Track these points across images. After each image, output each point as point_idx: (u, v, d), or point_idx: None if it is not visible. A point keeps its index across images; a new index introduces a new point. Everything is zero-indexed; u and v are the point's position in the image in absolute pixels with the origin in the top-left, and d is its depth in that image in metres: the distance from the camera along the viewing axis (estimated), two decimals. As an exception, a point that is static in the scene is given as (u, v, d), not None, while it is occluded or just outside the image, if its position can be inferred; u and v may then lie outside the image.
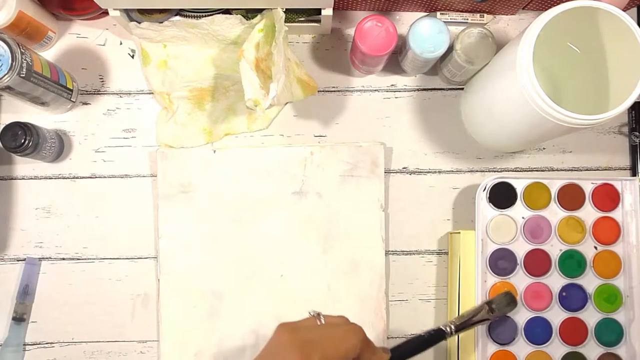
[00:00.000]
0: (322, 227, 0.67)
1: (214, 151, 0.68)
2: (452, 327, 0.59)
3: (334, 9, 0.63)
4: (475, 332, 0.63)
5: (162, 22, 0.64)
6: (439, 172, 0.70)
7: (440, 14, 0.69)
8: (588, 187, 0.66)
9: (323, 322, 0.49)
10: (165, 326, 0.66)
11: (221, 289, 0.66)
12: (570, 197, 0.65)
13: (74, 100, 0.68)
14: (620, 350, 0.64)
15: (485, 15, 0.69)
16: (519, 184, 0.65)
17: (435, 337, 0.58)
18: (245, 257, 0.67)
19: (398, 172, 0.70)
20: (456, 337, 0.64)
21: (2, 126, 0.63)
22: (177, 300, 0.66)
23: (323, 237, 0.67)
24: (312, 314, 0.50)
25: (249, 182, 0.67)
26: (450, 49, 0.63)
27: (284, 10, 0.61)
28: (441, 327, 0.58)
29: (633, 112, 0.70)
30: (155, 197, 0.67)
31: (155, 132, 0.69)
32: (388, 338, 0.67)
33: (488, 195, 0.65)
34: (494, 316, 0.61)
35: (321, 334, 0.47)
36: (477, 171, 0.70)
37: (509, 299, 0.62)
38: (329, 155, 0.68)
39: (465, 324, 0.60)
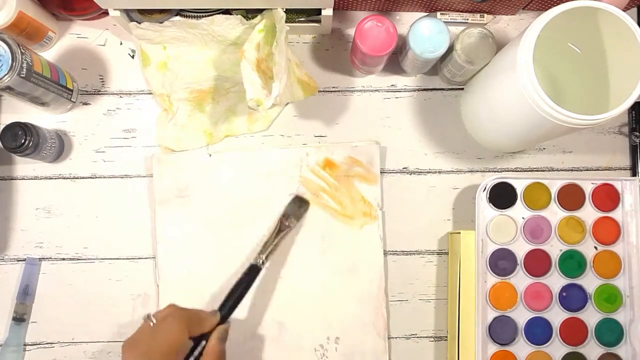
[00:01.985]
0: (320, 227, 0.67)
1: (210, 155, 0.68)
2: (262, 256, 0.61)
3: (334, 9, 0.63)
4: (476, 333, 0.63)
5: (162, 22, 0.64)
6: (439, 172, 0.70)
7: (441, 14, 0.69)
8: (588, 187, 0.66)
9: (154, 321, 0.52)
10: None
11: (220, 293, 0.66)
12: (570, 197, 0.65)
13: (74, 100, 0.68)
14: (620, 350, 0.64)
15: (485, 15, 0.69)
16: (519, 184, 0.65)
17: (252, 274, 0.61)
18: (244, 259, 0.67)
19: (398, 172, 0.70)
20: (456, 339, 0.64)
21: (2, 126, 0.63)
22: (177, 304, 0.66)
23: (321, 237, 0.67)
24: (144, 318, 0.53)
25: (245, 185, 0.67)
26: (451, 49, 0.63)
27: (284, 10, 0.61)
28: (252, 262, 0.61)
29: (633, 112, 0.70)
30: (153, 201, 0.67)
31: (155, 133, 0.69)
32: (389, 338, 0.67)
33: (488, 196, 0.65)
34: (293, 223, 0.65)
35: (154, 336, 0.51)
36: (477, 171, 0.70)
37: (299, 202, 0.65)
38: (324, 156, 0.68)
39: (269, 245, 0.62)
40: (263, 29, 0.62)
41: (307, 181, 0.67)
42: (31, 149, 0.62)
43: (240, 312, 0.66)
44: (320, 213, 0.67)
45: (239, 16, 0.63)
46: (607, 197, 0.66)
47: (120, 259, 0.68)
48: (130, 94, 0.70)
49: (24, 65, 0.58)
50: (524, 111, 0.54)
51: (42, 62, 0.62)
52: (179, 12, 0.64)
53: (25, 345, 0.67)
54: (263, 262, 0.61)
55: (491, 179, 0.65)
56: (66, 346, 0.67)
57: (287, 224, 0.64)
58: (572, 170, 0.71)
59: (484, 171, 0.70)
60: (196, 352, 0.54)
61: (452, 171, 0.70)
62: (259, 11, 0.63)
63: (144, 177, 0.69)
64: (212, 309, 0.58)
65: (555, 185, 0.66)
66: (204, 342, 0.54)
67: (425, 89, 0.71)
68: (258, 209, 0.67)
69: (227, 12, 0.64)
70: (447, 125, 0.70)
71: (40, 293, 0.68)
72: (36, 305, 0.67)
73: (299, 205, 0.66)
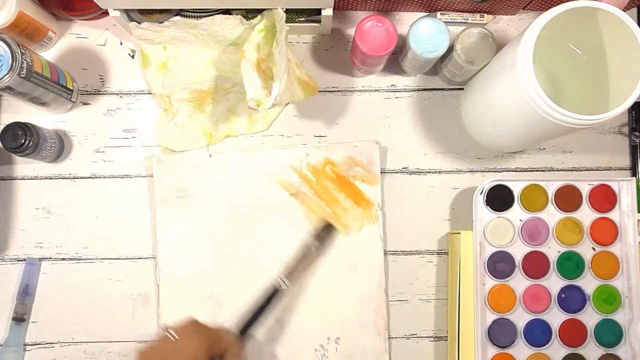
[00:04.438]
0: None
1: (210, 155, 0.68)
2: (285, 280, 0.61)
3: (334, 9, 0.63)
4: (475, 336, 0.63)
5: (162, 22, 0.64)
6: (439, 172, 0.70)
7: (441, 14, 0.69)
8: (585, 189, 0.66)
9: (175, 336, 0.51)
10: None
11: (220, 293, 0.66)
12: (568, 198, 0.65)
13: (74, 100, 0.68)
14: (619, 350, 0.64)
15: (485, 15, 0.69)
16: (516, 187, 0.65)
17: (272, 296, 0.60)
18: (244, 260, 0.67)
19: (398, 172, 0.70)
20: (456, 339, 0.64)
21: (2, 126, 0.63)
22: (177, 305, 0.66)
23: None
24: (163, 329, 0.52)
25: (245, 185, 0.67)
26: (451, 49, 0.63)
27: (284, 10, 0.61)
28: (274, 284, 0.60)
29: (633, 112, 0.70)
30: (153, 201, 0.67)
31: (155, 133, 0.69)
32: (389, 338, 0.67)
33: (485, 198, 0.65)
34: (320, 249, 0.64)
35: (174, 352, 0.50)
36: (477, 171, 0.70)
37: (328, 229, 0.65)
38: (324, 156, 0.68)
39: (295, 269, 0.62)
40: (263, 29, 0.62)
41: (307, 181, 0.67)
42: (31, 149, 0.62)
43: (241, 312, 0.66)
44: (320, 213, 0.67)
45: (239, 16, 0.63)
46: (604, 198, 0.65)
47: (120, 259, 0.68)
48: (130, 94, 0.70)
49: (24, 65, 0.58)
50: (524, 111, 0.54)
51: (42, 62, 0.62)
52: (179, 12, 0.64)
53: (25, 345, 0.67)
54: (286, 285, 0.61)
55: (488, 182, 0.65)
56: (66, 346, 0.67)
57: (314, 249, 0.64)
58: (572, 170, 0.70)
59: (484, 171, 0.70)
60: None
61: (452, 171, 0.70)
62: (259, 11, 0.63)
63: (144, 177, 0.69)
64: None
65: (552, 186, 0.66)
66: None
67: (425, 89, 0.71)
68: (258, 209, 0.67)
69: (227, 12, 0.64)
70: (447, 125, 0.70)
71: (40, 293, 0.68)
72: (36, 305, 0.67)
73: (327, 232, 0.65)
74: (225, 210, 0.67)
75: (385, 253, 0.68)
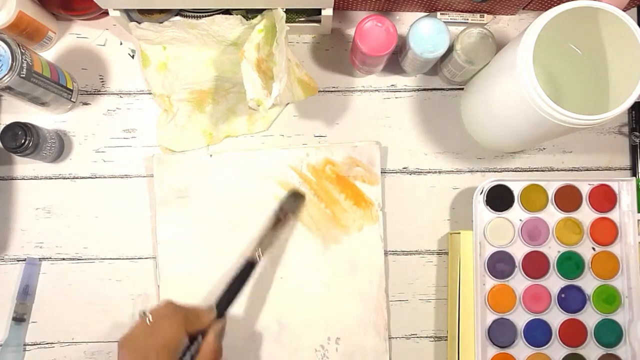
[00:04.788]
0: (320, 228, 0.67)
1: (210, 155, 0.68)
2: (258, 250, 0.60)
3: (334, 9, 0.63)
4: (475, 336, 0.63)
5: (162, 23, 0.64)
6: (439, 172, 0.70)
7: (441, 14, 0.69)
8: (585, 189, 0.66)
9: (151, 319, 0.51)
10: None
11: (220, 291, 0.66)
12: (568, 198, 0.65)
13: (74, 100, 0.68)
14: (619, 350, 0.64)
15: (485, 15, 0.69)
16: (516, 187, 0.65)
17: (247, 269, 0.59)
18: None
19: (398, 172, 0.70)
20: (456, 339, 0.64)
21: (2, 126, 0.63)
22: None
23: (321, 238, 0.67)
24: (140, 315, 0.52)
25: (246, 185, 0.67)
26: (451, 49, 0.63)
27: (284, 10, 0.61)
28: (247, 257, 0.60)
29: (633, 112, 0.70)
30: (153, 201, 0.67)
31: (155, 134, 0.69)
32: (389, 338, 0.67)
33: (485, 198, 0.65)
34: (289, 216, 0.64)
35: (151, 334, 0.51)
36: (477, 171, 0.70)
37: (294, 196, 0.65)
38: (324, 156, 0.68)
39: (265, 239, 0.62)
40: (263, 29, 0.62)
41: (307, 181, 0.67)
42: (31, 149, 0.62)
43: (241, 312, 0.66)
44: (320, 213, 0.67)
45: (239, 16, 0.63)
46: (604, 198, 0.65)
47: (120, 259, 0.68)
48: (130, 94, 0.70)
49: (24, 65, 0.58)
50: (524, 111, 0.54)
51: (42, 62, 0.62)
52: (179, 12, 0.64)
53: (25, 345, 0.67)
54: (259, 257, 0.60)
55: (488, 182, 0.65)
56: (66, 346, 0.67)
57: (282, 217, 0.63)
58: (572, 170, 0.70)
59: (484, 171, 0.70)
60: (192, 349, 0.53)
61: (452, 171, 0.70)
62: (259, 11, 0.63)
63: (144, 177, 0.69)
64: (209, 304, 0.58)
65: (552, 186, 0.66)
66: (200, 339, 0.54)
67: (425, 89, 0.71)
68: (258, 209, 0.67)
69: (227, 12, 0.64)
70: (447, 125, 0.70)
71: (40, 293, 0.68)
72: (36, 305, 0.67)
73: (294, 199, 0.65)
74: (226, 210, 0.67)
75: (386, 253, 0.68)
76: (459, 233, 0.65)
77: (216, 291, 0.66)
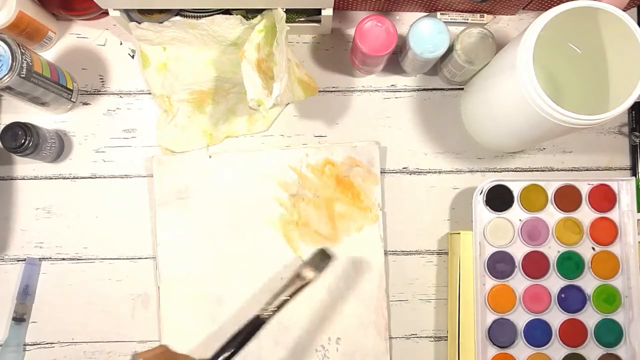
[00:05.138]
0: (320, 228, 0.67)
1: (210, 156, 0.68)
2: (269, 308, 0.55)
3: (334, 9, 0.63)
4: (475, 336, 0.63)
5: (162, 23, 0.64)
6: (439, 172, 0.70)
7: (441, 14, 0.69)
8: (585, 188, 0.66)
9: None
10: (167, 333, 0.66)
11: (221, 294, 0.66)
12: (567, 198, 0.65)
13: (74, 100, 0.68)
14: (620, 350, 0.64)
15: (485, 15, 0.69)
16: (516, 187, 0.65)
17: (254, 326, 0.55)
18: (244, 261, 0.67)
19: (398, 172, 0.70)
20: (456, 339, 0.64)
21: (2, 126, 0.63)
22: (178, 306, 0.66)
23: (321, 238, 0.67)
24: (133, 356, 0.50)
25: (245, 185, 0.67)
26: (451, 49, 0.63)
27: (284, 10, 0.61)
28: (257, 313, 0.55)
29: (633, 112, 0.70)
30: (153, 201, 0.67)
31: (155, 134, 0.69)
32: (390, 338, 0.67)
33: (485, 199, 0.65)
34: (312, 275, 0.57)
35: None
36: (477, 171, 0.70)
37: (321, 255, 0.59)
38: (324, 157, 0.68)
39: (282, 297, 0.56)
40: (263, 29, 0.62)
41: (307, 181, 0.67)
42: (31, 149, 0.62)
43: (241, 316, 0.66)
44: (320, 213, 0.67)
45: (239, 16, 0.63)
46: (604, 198, 0.65)
47: (120, 259, 0.68)
48: (130, 94, 0.70)
49: (24, 65, 0.58)
50: (524, 111, 0.54)
51: (42, 62, 0.62)
52: (179, 12, 0.64)
53: (25, 345, 0.67)
54: (270, 316, 0.55)
55: (488, 182, 0.65)
56: (66, 346, 0.67)
57: (304, 275, 0.57)
58: (572, 170, 0.70)
59: (484, 171, 0.70)
60: None
61: (452, 171, 0.70)
62: (259, 11, 0.63)
63: (144, 177, 0.69)
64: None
65: (552, 186, 0.66)
66: None
67: (425, 89, 0.71)
68: (258, 209, 0.67)
69: (227, 12, 0.64)
70: (447, 125, 0.70)
71: (40, 293, 0.68)
72: (36, 305, 0.67)
73: (321, 258, 0.59)
74: (225, 210, 0.67)
75: (386, 253, 0.68)
76: (459, 233, 0.65)
77: (218, 292, 0.66)
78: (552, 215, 0.65)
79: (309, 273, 0.58)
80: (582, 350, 0.64)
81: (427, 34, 0.62)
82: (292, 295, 0.56)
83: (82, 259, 0.68)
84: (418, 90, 0.71)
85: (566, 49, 0.63)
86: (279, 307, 0.56)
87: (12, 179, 0.69)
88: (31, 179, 0.69)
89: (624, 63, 0.54)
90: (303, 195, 0.67)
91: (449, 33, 0.62)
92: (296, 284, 0.57)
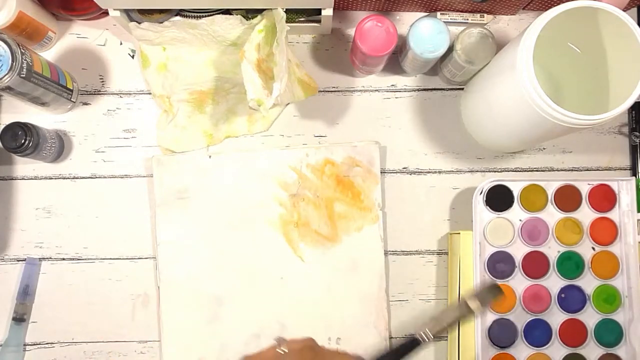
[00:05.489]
0: (320, 228, 0.67)
1: (210, 156, 0.68)
2: (428, 332, 0.53)
3: (334, 9, 0.63)
4: (475, 336, 0.63)
5: (162, 23, 0.64)
6: (439, 172, 0.70)
7: (441, 14, 0.69)
8: (585, 188, 0.66)
9: (285, 350, 0.47)
10: (167, 333, 0.66)
11: (221, 294, 0.66)
12: (567, 198, 0.65)
13: (74, 100, 0.68)
14: (620, 350, 0.64)
15: (485, 15, 0.69)
16: (516, 187, 0.65)
17: (411, 345, 0.53)
18: (245, 261, 0.67)
19: (398, 172, 0.70)
20: (456, 339, 0.64)
21: (2, 126, 0.63)
22: (178, 306, 0.66)
23: (322, 238, 0.67)
24: (276, 340, 0.49)
25: (245, 185, 0.67)
26: (451, 49, 0.63)
27: (284, 10, 0.61)
28: (415, 334, 0.53)
29: (633, 112, 0.70)
30: (153, 201, 0.67)
31: (155, 135, 0.69)
32: (390, 338, 0.67)
33: (485, 198, 0.65)
34: (481, 310, 0.54)
35: None
36: (477, 171, 0.70)
37: (492, 291, 0.55)
38: (324, 156, 0.68)
39: (443, 323, 0.54)
40: (263, 29, 0.62)
41: (307, 181, 0.67)
42: (31, 149, 0.62)
43: (242, 316, 0.66)
44: (320, 213, 0.67)
45: (239, 16, 0.63)
46: (604, 198, 0.65)
47: (120, 259, 0.68)
48: (130, 94, 0.70)
49: (24, 65, 0.58)
50: (524, 111, 0.54)
51: (42, 62, 0.62)
52: (179, 12, 0.64)
53: (25, 345, 0.67)
54: (427, 338, 0.52)
55: (488, 182, 0.65)
56: (66, 346, 0.67)
57: (470, 305, 0.54)
58: (572, 170, 0.70)
59: (484, 171, 0.70)
60: None
61: (452, 171, 0.70)
62: (259, 11, 0.63)
63: (144, 177, 0.69)
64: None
65: (551, 186, 0.66)
66: None
67: (425, 89, 0.71)
68: (258, 209, 0.67)
69: (227, 12, 0.64)
70: (447, 125, 0.70)
71: (40, 293, 0.68)
72: (36, 305, 0.67)
73: (491, 292, 0.55)
74: (225, 211, 0.67)
75: (386, 253, 0.68)
76: (459, 233, 0.65)
77: (218, 293, 0.66)
78: (552, 215, 0.65)
79: (474, 304, 0.54)
80: (582, 350, 0.64)
81: (427, 34, 0.62)
82: (451, 325, 0.54)
83: (82, 259, 0.68)
84: (418, 90, 0.71)
85: (566, 49, 0.63)
86: (437, 334, 0.53)
87: (12, 179, 0.69)
88: (31, 179, 0.69)
89: (624, 63, 0.54)
90: (303, 195, 0.67)
91: (449, 33, 0.62)
92: (459, 313, 0.54)
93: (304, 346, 0.48)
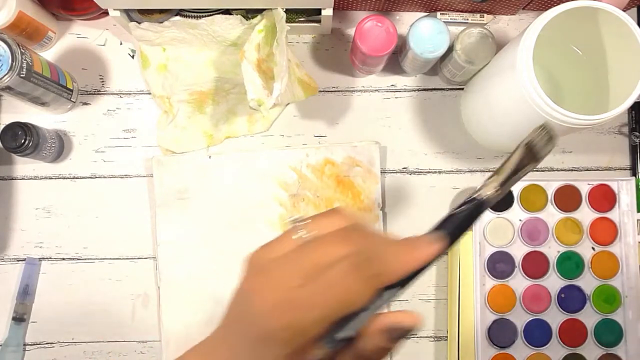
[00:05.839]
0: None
1: (210, 157, 0.68)
2: (494, 185, 0.38)
3: (334, 9, 0.62)
4: (475, 336, 0.63)
5: (162, 23, 0.64)
6: (439, 172, 0.70)
7: (441, 14, 0.69)
8: (584, 188, 0.66)
9: (306, 234, 0.29)
10: (167, 334, 0.66)
11: (222, 295, 0.66)
12: (567, 198, 0.65)
13: (74, 100, 0.68)
14: (619, 350, 0.64)
15: (485, 15, 0.69)
16: (516, 187, 0.65)
17: (479, 208, 0.39)
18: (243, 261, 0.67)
19: (398, 172, 0.70)
20: (456, 339, 0.64)
21: (2, 126, 0.63)
22: (178, 307, 0.66)
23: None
24: (291, 222, 0.32)
25: (245, 186, 0.67)
26: (451, 49, 0.63)
27: (284, 10, 0.61)
28: (478, 196, 0.38)
29: (633, 112, 0.70)
30: (153, 201, 0.67)
31: (155, 134, 0.69)
32: (388, 338, 0.67)
33: (486, 198, 0.65)
34: (537, 158, 0.39)
35: (300, 256, 0.27)
36: (477, 171, 0.70)
37: (548, 136, 0.40)
38: (324, 157, 0.68)
39: (508, 172, 0.38)
40: (263, 29, 0.62)
41: (307, 181, 0.67)
42: (31, 149, 0.62)
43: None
44: (318, 207, 0.67)
45: (239, 16, 0.63)
46: (604, 198, 0.66)
47: (120, 259, 0.68)
48: (130, 94, 0.70)
49: (24, 65, 0.58)
50: (524, 111, 0.54)
51: (42, 62, 0.62)
52: (179, 12, 0.64)
53: (25, 345, 0.67)
54: (493, 195, 0.38)
55: (488, 181, 0.65)
56: (66, 346, 0.67)
57: (532, 155, 0.39)
58: (572, 170, 0.70)
59: (484, 171, 0.70)
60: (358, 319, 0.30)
61: (452, 171, 0.70)
62: (259, 11, 0.63)
63: (144, 177, 0.69)
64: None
65: (551, 186, 0.66)
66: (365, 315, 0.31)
67: (425, 89, 0.71)
68: (258, 209, 0.67)
69: (227, 12, 0.64)
70: (447, 125, 0.70)
71: (40, 293, 0.68)
72: (36, 305, 0.67)
73: (547, 140, 0.40)
74: (225, 211, 0.67)
75: (385, 253, 0.68)
76: (459, 233, 0.65)
77: (218, 293, 0.66)
78: (552, 215, 0.65)
79: (536, 154, 0.39)
80: (582, 350, 0.64)
81: (427, 34, 0.62)
82: (517, 176, 0.39)
83: (82, 259, 0.68)
84: (418, 90, 0.71)
85: (566, 49, 0.63)
86: (504, 187, 0.38)
87: (12, 179, 0.69)
88: (31, 179, 0.69)
89: (624, 63, 0.54)
90: (303, 195, 0.67)
91: (449, 33, 0.62)
92: (522, 161, 0.39)
93: (337, 220, 0.29)
